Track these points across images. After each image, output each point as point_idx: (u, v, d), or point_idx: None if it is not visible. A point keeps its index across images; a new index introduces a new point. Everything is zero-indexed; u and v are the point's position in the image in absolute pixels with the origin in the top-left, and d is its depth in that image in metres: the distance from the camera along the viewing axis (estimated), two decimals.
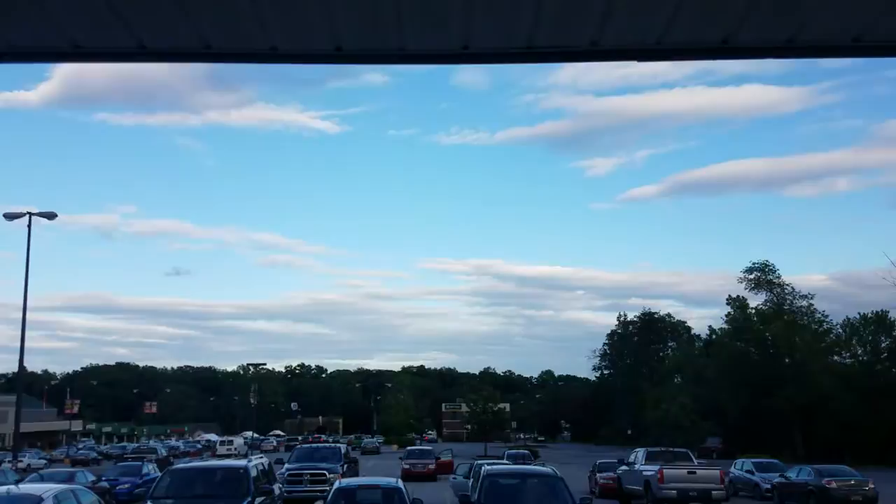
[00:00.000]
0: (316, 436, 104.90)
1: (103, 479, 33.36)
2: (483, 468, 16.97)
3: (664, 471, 27.25)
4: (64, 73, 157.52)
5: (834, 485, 29.45)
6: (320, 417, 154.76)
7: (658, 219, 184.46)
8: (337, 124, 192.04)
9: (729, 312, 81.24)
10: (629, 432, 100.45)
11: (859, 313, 75.99)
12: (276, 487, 19.90)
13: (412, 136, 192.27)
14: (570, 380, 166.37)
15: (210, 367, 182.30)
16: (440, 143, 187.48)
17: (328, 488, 26.16)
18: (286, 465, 28.11)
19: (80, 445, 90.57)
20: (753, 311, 78.73)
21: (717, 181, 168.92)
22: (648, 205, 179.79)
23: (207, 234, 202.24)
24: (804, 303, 76.46)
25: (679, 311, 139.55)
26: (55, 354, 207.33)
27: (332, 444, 37.58)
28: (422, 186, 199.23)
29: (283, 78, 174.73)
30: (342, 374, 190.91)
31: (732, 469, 36.95)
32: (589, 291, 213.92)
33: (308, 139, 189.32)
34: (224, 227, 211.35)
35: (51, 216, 40.48)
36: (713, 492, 26.75)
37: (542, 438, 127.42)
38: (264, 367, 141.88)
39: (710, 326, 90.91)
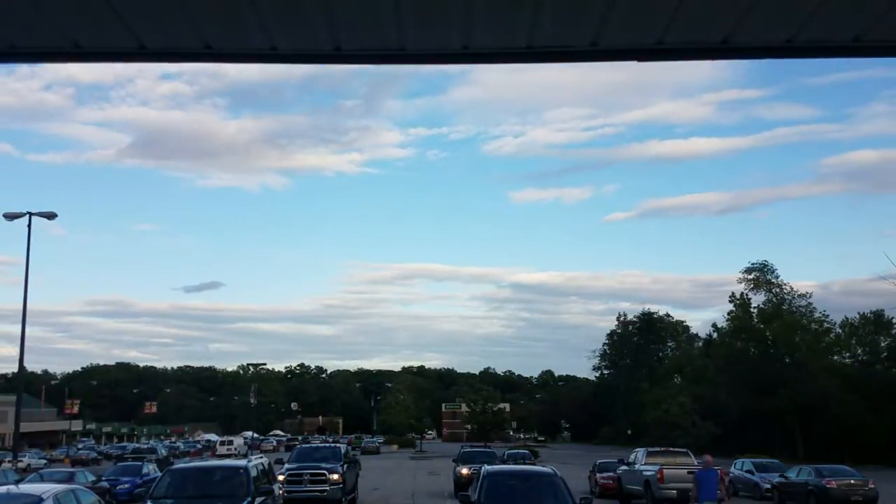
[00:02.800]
0: (315, 436, 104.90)
1: (103, 479, 33.38)
2: (483, 468, 16.98)
3: (664, 471, 27.27)
4: (138, 134, 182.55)
5: (834, 485, 29.46)
6: (320, 417, 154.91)
7: (635, 236, 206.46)
8: (358, 165, 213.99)
9: (731, 311, 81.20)
10: (629, 432, 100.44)
11: (859, 313, 76.13)
12: (276, 487, 19.90)
13: (418, 177, 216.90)
14: (570, 380, 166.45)
15: (210, 367, 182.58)
16: (441, 181, 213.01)
17: (328, 488, 26.20)
18: (286, 465, 28.08)
19: (80, 445, 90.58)
20: (754, 310, 78.77)
21: (682, 207, 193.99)
22: (625, 225, 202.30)
23: (225, 250, 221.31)
24: (803, 302, 76.55)
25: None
26: (57, 354, 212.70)
27: (332, 444, 37.58)
28: (424, 204, 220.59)
29: (321, 138, 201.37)
30: (342, 374, 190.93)
31: (732, 469, 36.97)
32: (582, 297, 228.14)
33: (332, 179, 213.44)
34: (243, 244, 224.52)
35: (51, 216, 40.55)
36: None
37: (542, 438, 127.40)
38: (264, 367, 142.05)
39: (713, 324, 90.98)
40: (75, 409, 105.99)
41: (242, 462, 19.14)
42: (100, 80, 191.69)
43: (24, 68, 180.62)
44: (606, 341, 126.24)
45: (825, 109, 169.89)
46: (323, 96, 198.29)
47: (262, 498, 17.20)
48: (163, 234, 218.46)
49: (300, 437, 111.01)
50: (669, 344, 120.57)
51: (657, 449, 33.65)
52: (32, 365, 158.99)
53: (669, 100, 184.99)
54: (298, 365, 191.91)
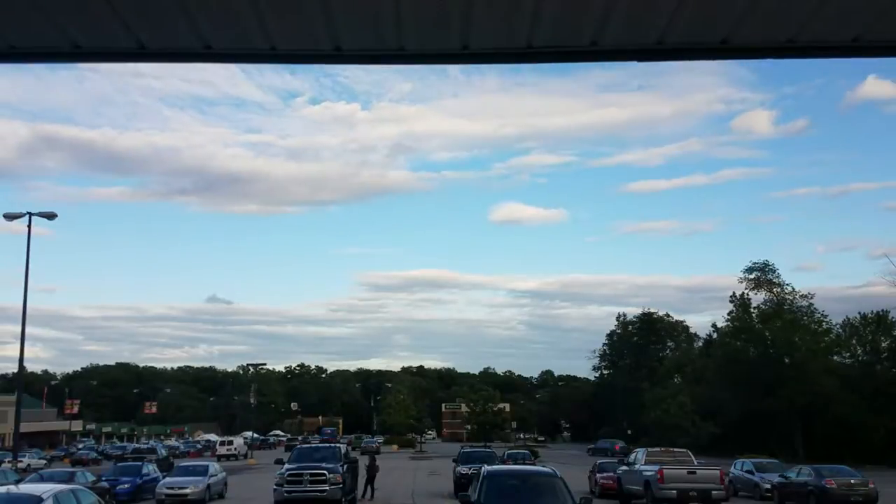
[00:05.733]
0: (315, 436, 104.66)
1: (103, 479, 33.36)
2: (483, 468, 16.97)
3: (664, 471, 27.27)
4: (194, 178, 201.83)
5: (834, 485, 29.45)
6: (320, 417, 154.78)
7: (617, 250, 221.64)
8: (371, 196, 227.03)
9: (731, 311, 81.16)
10: (629, 432, 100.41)
11: (860, 313, 76.08)
12: None
13: (421, 203, 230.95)
14: (570, 380, 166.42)
15: (210, 367, 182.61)
16: (439, 207, 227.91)
17: (328, 488, 26.20)
18: (286, 465, 28.07)
19: (80, 445, 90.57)
20: (754, 310, 78.73)
21: (647, 230, 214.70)
22: (603, 244, 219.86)
23: (242, 264, 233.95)
24: (804, 303, 76.48)
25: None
26: (59, 354, 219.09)
27: (332, 444, 37.60)
28: (424, 224, 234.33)
29: (346, 180, 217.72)
30: (342, 374, 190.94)
31: (732, 469, 36.95)
32: (578, 300, 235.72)
33: (347, 207, 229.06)
34: (260, 259, 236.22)
35: (51, 216, 40.55)
36: (713, 492, 26.76)
37: (542, 438, 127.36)
38: (264, 367, 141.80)
39: (713, 325, 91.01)
40: (75, 410, 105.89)
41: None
42: (174, 144, 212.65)
43: (111, 132, 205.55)
44: (606, 341, 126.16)
45: (768, 154, 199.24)
46: (353, 154, 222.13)
47: None
48: (187, 252, 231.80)
49: (300, 438, 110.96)
50: (669, 344, 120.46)
51: (657, 449, 33.66)
52: (47, 365, 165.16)
53: (637, 148, 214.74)
54: (298, 365, 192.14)
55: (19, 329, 39.01)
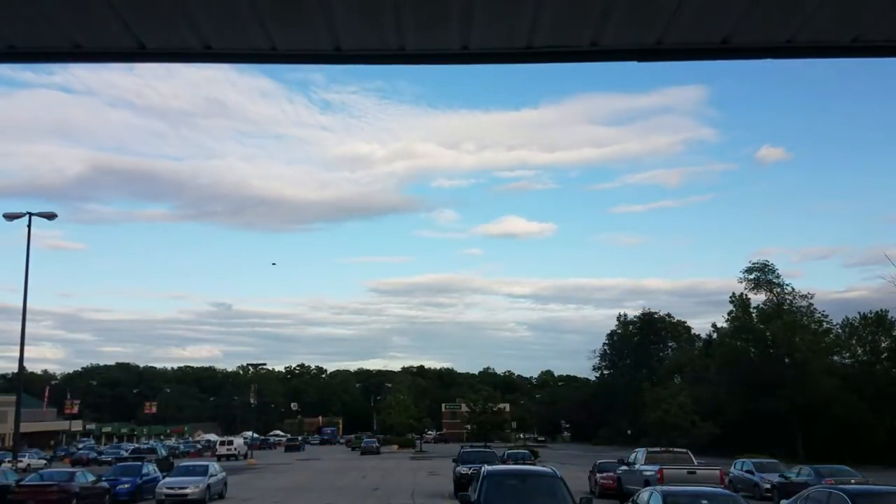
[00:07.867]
0: (318, 436, 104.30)
1: (103, 479, 33.36)
2: (483, 468, 16.98)
3: (664, 471, 27.30)
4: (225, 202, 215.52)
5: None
6: (320, 417, 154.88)
7: (607, 258, 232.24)
8: (378, 214, 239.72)
9: (731, 311, 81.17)
10: (629, 432, 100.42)
11: (859, 313, 76.08)
12: None
13: (419, 221, 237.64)
14: (570, 380, 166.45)
15: (210, 367, 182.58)
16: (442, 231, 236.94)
17: None
18: None
19: (80, 445, 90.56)
20: (754, 310, 78.73)
21: (630, 245, 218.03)
22: (592, 253, 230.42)
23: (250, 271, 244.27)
24: (804, 303, 76.48)
25: None
26: (69, 355, 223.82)
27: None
28: (426, 238, 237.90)
29: (360, 206, 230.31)
30: (342, 374, 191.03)
31: (732, 469, 36.98)
32: (575, 303, 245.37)
33: (355, 222, 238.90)
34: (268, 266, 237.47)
35: (51, 216, 40.58)
36: None
37: (542, 438, 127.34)
38: (264, 367, 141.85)
39: (713, 324, 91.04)
40: (75, 409, 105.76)
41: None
42: (213, 173, 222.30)
43: (159, 162, 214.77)
44: (606, 341, 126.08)
45: (730, 181, 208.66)
46: (368, 185, 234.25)
47: None
48: (205, 261, 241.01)
49: (300, 438, 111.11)
50: (670, 344, 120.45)
51: (657, 449, 33.69)
52: (48, 365, 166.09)
53: (615, 178, 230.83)
54: (298, 365, 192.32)
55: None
